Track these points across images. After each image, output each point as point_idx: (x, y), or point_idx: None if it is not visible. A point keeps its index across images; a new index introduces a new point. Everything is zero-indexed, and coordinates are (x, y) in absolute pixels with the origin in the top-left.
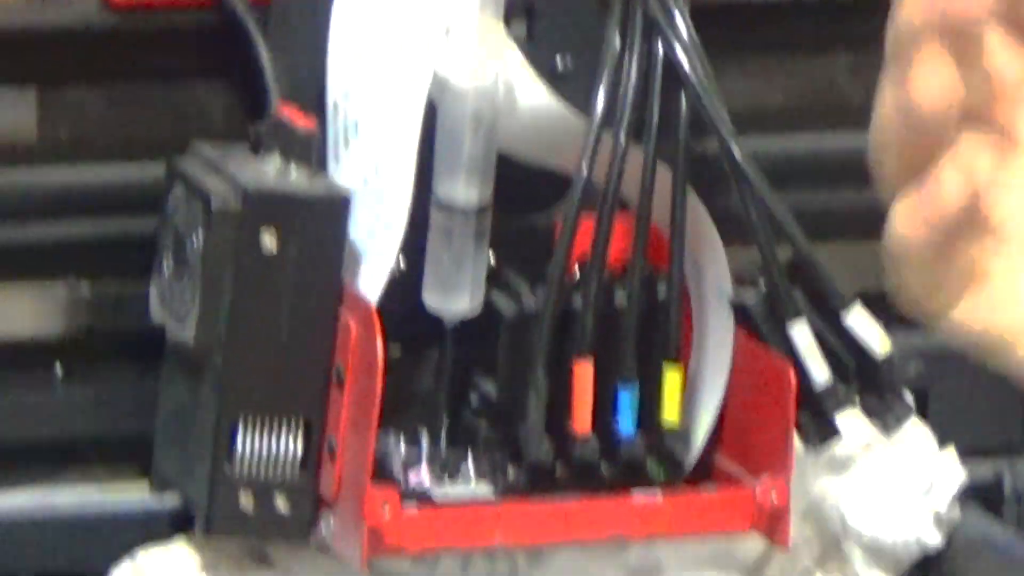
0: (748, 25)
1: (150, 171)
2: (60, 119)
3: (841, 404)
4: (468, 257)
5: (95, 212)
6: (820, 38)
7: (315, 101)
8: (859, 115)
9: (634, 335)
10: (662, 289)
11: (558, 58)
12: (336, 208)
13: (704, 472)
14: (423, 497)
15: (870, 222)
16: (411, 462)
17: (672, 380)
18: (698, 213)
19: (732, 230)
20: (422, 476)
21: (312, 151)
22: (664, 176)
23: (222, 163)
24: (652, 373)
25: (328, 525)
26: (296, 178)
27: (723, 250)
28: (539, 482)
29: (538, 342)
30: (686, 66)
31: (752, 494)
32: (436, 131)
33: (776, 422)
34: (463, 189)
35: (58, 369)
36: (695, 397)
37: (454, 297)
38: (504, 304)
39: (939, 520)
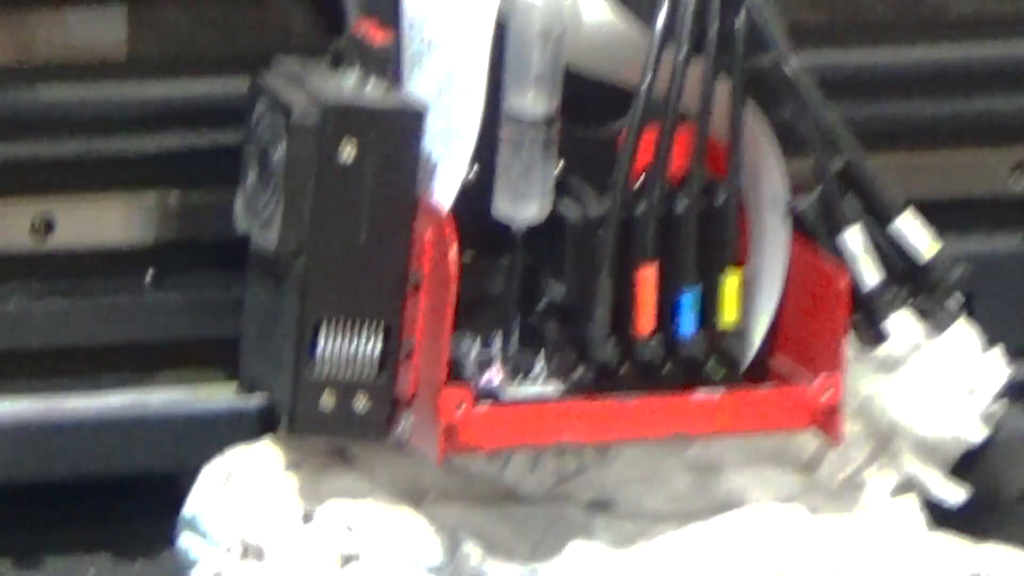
0: None
1: (235, 85)
2: (149, 36)
3: (892, 306)
4: (536, 167)
5: (183, 125)
6: None
7: (392, 17)
8: (912, 30)
9: (694, 241)
10: (721, 197)
11: None
12: (411, 120)
13: (761, 372)
14: (495, 396)
15: (919, 134)
16: (484, 363)
17: (731, 283)
18: (755, 125)
19: (788, 140)
20: (494, 376)
21: (389, 65)
22: (723, 89)
23: (303, 77)
24: (712, 276)
25: (406, 424)
26: (373, 91)
27: (780, 159)
28: (605, 381)
29: (603, 247)
30: None
31: (807, 392)
32: (506, 46)
33: (830, 324)
34: (532, 101)
35: (149, 275)
36: (753, 299)
37: (524, 205)
38: (571, 211)
39: (984, 417)
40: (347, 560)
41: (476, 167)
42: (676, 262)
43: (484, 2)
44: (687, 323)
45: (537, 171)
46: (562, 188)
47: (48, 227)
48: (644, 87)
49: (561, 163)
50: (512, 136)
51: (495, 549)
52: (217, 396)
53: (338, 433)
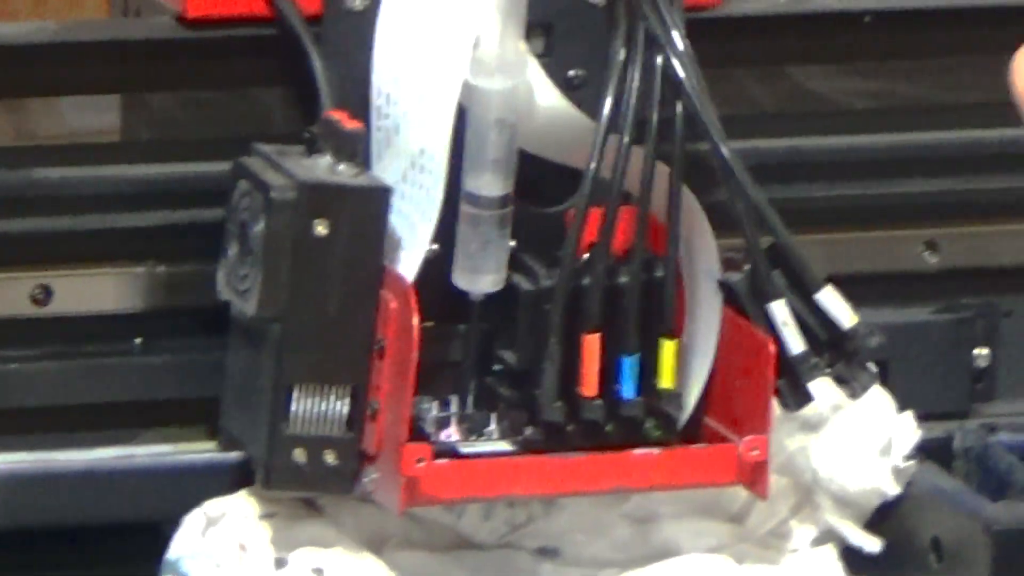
0: (736, 38)
1: (218, 168)
2: (140, 122)
3: (814, 372)
4: (492, 242)
5: (170, 203)
6: (797, 50)
7: (361, 106)
8: (835, 120)
9: (636, 311)
10: (660, 271)
11: (572, 71)
12: (379, 199)
13: (695, 432)
14: (453, 453)
15: (838, 214)
16: (442, 422)
17: (668, 351)
18: (691, 205)
19: (721, 220)
20: (452, 435)
21: (358, 150)
22: (662, 172)
23: (281, 160)
24: (651, 344)
25: (371, 478)
26: (344, 173)
27: (713, 237)
28: (553, 440)
29: (553, 317)
30: (682, 76)
31: (736, 451)
32: (465, 131)
33: (757, 387)
34: (488, 182)
35: (138, 340)
36: (688, 365)
37: (480, 278)
38: (523, 284)
39: (898, 473)
40: None
41: (437, 244)
42: (619, 330)
43: (446, 89)
44: (628, 387)
45: (493, 247)
46: (515, 262)
47: (47, 295)
48: (591, 171)
49: (514, 239)
50: (470, 214)
51: None
52: (198, 452)
53: (309, 486)
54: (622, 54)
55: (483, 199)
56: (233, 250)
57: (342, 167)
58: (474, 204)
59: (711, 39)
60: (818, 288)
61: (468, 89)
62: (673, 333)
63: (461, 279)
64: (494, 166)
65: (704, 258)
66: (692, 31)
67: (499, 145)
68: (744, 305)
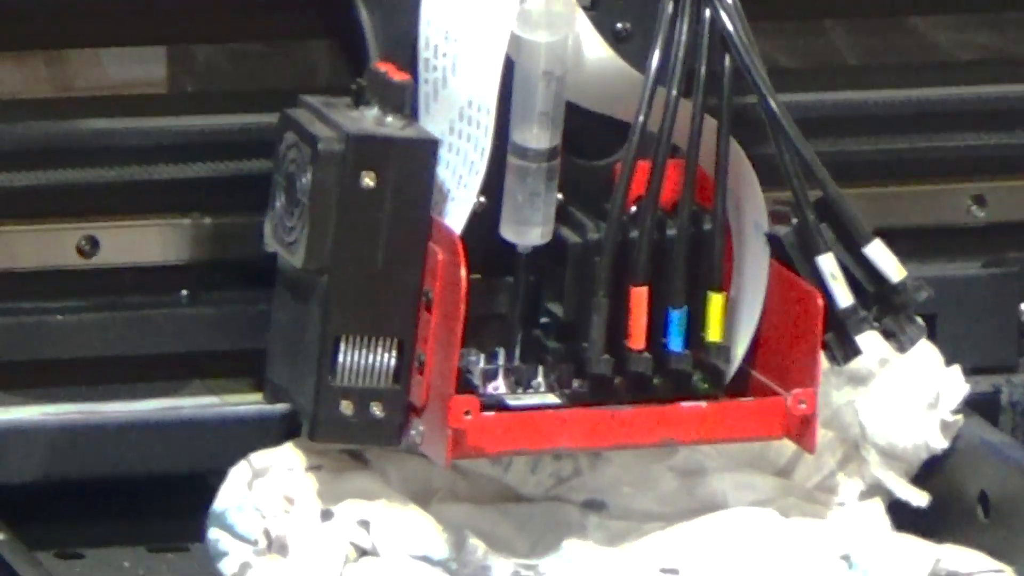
0: None
1: (265, 120)
2: (187, 74)
3: (862, 326)
4: (540, 195)
5: (217, 156)
6: (842, 4)
7: (409, 58)
8: (884, 74)
9: (683, 264)
10: (707, 225)
11: (619, 23)
12: (426, 151)
13: (743, 385)
14: (499, 405)
15: (887, 168)
16: (490, 375)
17: (716, 304)
18: (739, 158)
19: (769, 174)
20: (499, 387)
21: (406, 101)
22: (710, 126)
23: (328, 112)
24: (698, 297)
25: (417, 430)
26: (392, 125)
27: (760, 191)
28: (600, 393)
29: (600, 270)
30: (731, 29)
31: (784, 404)
32: (512, 83)
33: (805, 341)
34: (536, 134)
35: (184, 292)
36: (735, 319)
37: (527, 231)
38: (571, 237)
39: (945, 427)
40: (362, 554)
41: (484, 197)
42: (666, 284)
43: (493, 41)
44: (676, 340)
45: (540, 200)
46: (562, 215)
47: (93, 247)
48: (638, 124)
49: (561, 193)
50: (517, 166)
51: (497, 545)
52: (244, 403)
53: (355, 438)
54: (670, 7)
55: (531, 151)
56: (280, 202)
57: (389, 119)
58: (522, 156)
59: None
60: (867, 242)
61: (516, 41)
62: (721, 286)
63: (509, 231)
64: (541, 118)
65: (752, 211)
66: None
67: (547, 97)
68: (792, 258)
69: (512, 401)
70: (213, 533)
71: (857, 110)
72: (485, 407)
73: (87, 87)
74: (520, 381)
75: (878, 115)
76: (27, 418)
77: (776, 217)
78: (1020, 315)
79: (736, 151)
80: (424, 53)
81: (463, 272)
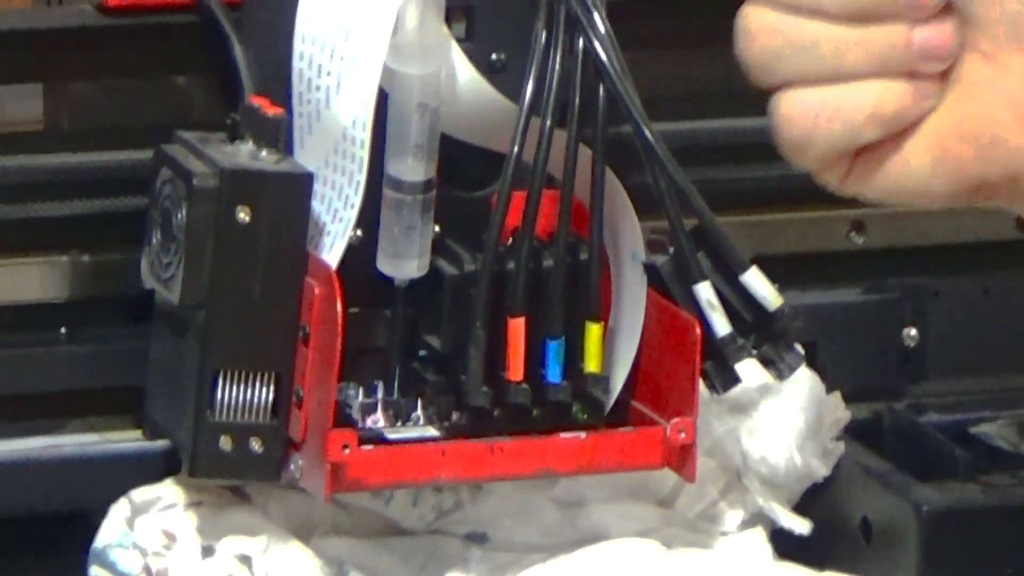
0: (657, 19)
1: (142, 156)
2: (62, 110)
3: (740, 354)
4: (416, 227)
5: (94, 192)
6: (715, 31)
7: (283, 92)
8: (758, 100)
9: (560, 295)
10: (584, 255)
11: (493, 54)
12: (300, 185)
13: (622, 415)
14: (379, 439)
15: (766, 195)
16: (368, 409)
17: (593, 334)
18: (615, 188)
19: (645, 203)
20: (378, 420)
21: (280, 136)
22: (586, 156)
23: (203, 148)
24: (576, 328)
25: (296, 464)
26: (266, 159)
27: (636, 220)
28: (479, 425)
29: (477, 302)
30: (604, 59)
31: (663, 433)
32: (387, 115)
33: (684, 370)
34: (411, 167)
35: (63, 330)
36: (613, 349)
37: (404, 263)
38: (448, 268)
39: (826, 454)
40: None
41: (360, 230)
42: (544, 314)
43: (366, 76)
44: (554, 371)
45: (416, 232)
46: (439, 246)
47: None
48: (513, 154)
49: (437, 224)
50: (393, 199)
51: None
52: (124, 440)
53: (235, 474)
54: (544, 37)
55: (406, 184)
56: (156, 238)
57: (264, 153)
58: (397, 189)
59: (632, 20)
60: (743, 269)
61: (389, 73)
62: (598, 316)
63: (385, 265)
64: (416, 151)
65: (628, 241)
66: (612, 13)
67: (421, 130)
68: (669, 287)
69: (391, 434)
70: (94, 571)
71: (733, 137)
72: (364, 441)
73: None
74: (399, 414)
75: (754, 142)
76: None
77: (653, 246)
78: (901, 341)
79: (612, 180)
80: (298, 87)
81: (339, 306)
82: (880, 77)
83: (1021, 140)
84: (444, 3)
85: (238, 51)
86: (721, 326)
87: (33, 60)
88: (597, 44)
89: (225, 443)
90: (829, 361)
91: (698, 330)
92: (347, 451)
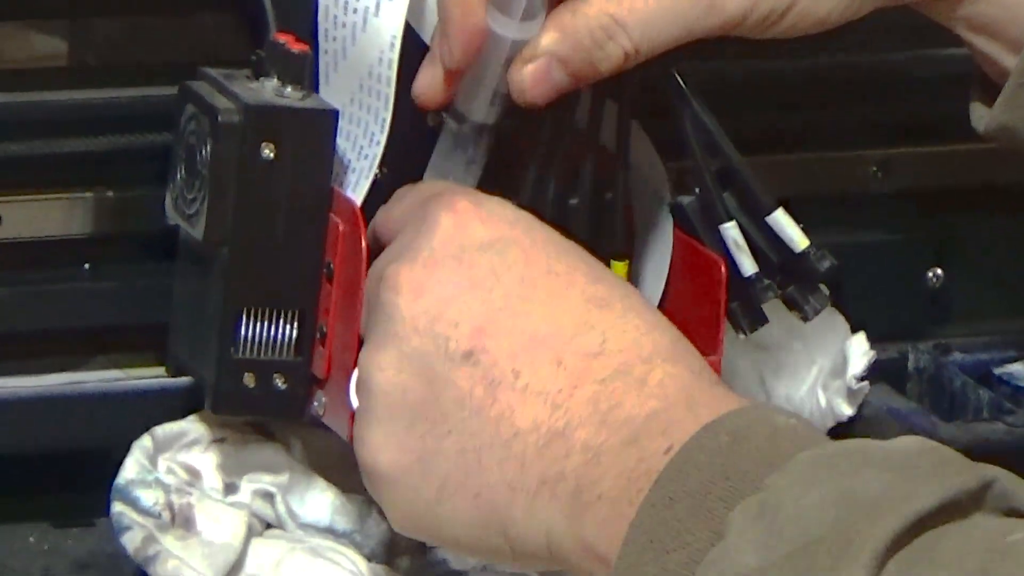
0: None
1: (166, 92)
2: (87, 47)
3: (766, 294)
4: (474, 162)
5: (118, 129)
6: None
7: (308, 29)
8: (784, 42)
9: (586, 233)
10: (609, 194)
11: None
12: (325, 121)
13: None
14: None
15: (791, 137)
16: None
17: (619, 272)
18: (636, 129)
19: (672, 144)
20: None
21: (305, 72)
22: (611, 105)
23: (228, 84)
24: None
25: (320, 401)
26: (291, 96)
27: (659, 160)
28: None
29: None
30: None
31: None
32: (479, 58)
33: (709, 309)
34: (484, 110)
35: (86, 266)
36: (639, 287)
37: None
38: None
39: (851, 394)
40: (267, 526)
41: (385, 167)
42: None
43: (392, 14)
44: None
45: (475, 166)
46: None
47: None
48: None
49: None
50: (455, 131)
51: None
52: (147, 377)
53: (258, 411)
54: None
55: (471, 121)
56: (181, 174)
57: (289, 90)
58: (461, 123)
59: None
60: (770, 210)
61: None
62: (624, 254)
63: None
64: (494, 98)
65: (651, 181)
66: None
67: (505, 82)
68: (696, 227)
69: None
70: (117, 507)
71: (760, 79)
72: None
73: None
74: None
75: (781, 84)
76: None
77: (681, 186)
78: (926, 282)
79: (635, 127)
80: (323, 24)
81: (364, 243)
82: None
83: None
84: None
85: None
86: (747, 266)
87: None
88: None
89: (248, 380)
90: (854, 301)
91: (723, 269)
92: None
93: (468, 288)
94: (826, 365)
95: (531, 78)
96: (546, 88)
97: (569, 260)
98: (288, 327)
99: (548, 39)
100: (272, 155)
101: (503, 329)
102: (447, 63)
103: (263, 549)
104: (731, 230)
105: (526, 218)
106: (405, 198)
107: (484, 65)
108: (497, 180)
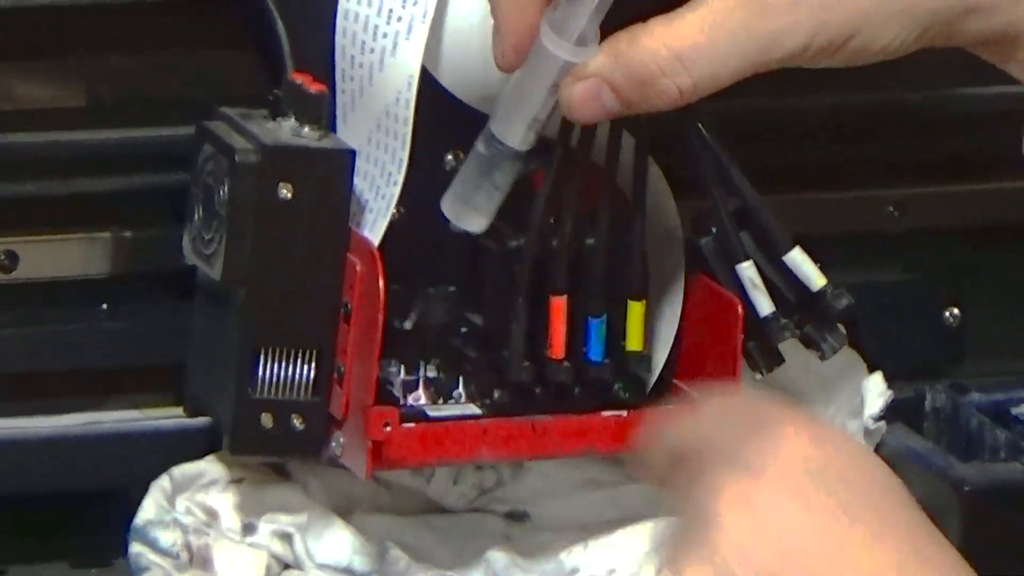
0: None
1: (183, 132)
2: (104, 86)
3: (783, 333)
4: (501, 189)
5: (136, 168)
6: None
7: (325, 69)
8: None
9: (603, 273)
10: (626, 233)
11: None
12: (343, 161)
13: (664, 393)
14: (420, 416)
15: (808, 175)
16: (410, 386)
17: (636, 313)
18: (653, 172)
19: (690, 182)
20: (420, 398)
21: (322, 112)
22: (627, 138)
23: (245, 124)
24: (618, 306)
25: (338, 442)
26: (308, 136)
27: (672, 198)
28: (521, 402)
29: (520, 278)
30: None
31: None
32: (517, 78)
33: (725, 348)
34: (521, 136)
35: (104, 306)
36: (656, 327)
37: (474, 215)
38: (491, 244)
39: (868, 434)
40: (284, 567)
41: (402, 207)
42: (586, 293)
43: (409, 55)
44: (596, 349)
45: (499, 193)
46: None
47: (12, 262)
48: (561, 137)
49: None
50: (487, 156)
51: (420, 556)
52: (165, 417)
53: (276, 451)
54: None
55: (506, 148)
56: (198, 214)
57: (306, 130)
58: (493, 148)
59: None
60: (787, 249)
61: (541, 42)
62: (641, 295)
63: (453, 209)
64: (533, 124)
65: (665, 220)
66: None
67: (546, 107)
68: (713, 267)
69: (432, 412)
70: (135, 548)
71: (777, 117)
72: (405, 418)
73: (3, 101)
74: (440, 392)
75: (798, 122)
76: None
77: (697, 226)
78: (942, 321)
79: (651, 164)
80: (340, 64)
81: (381, 283)
82: None
83: None
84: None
85: (280, 27)
86: (764, 306)
87: (75, 35)
88: None
89: (266, 420)
90: (871, 340)
91: (740, 309)
92: (388, 428)
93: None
94: (843, 405)
95: (581, 96)
96: (595, 109)
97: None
98: (306, 367)
99: (602, 63)
100: (289, 195)
101: None
102: (500, 65)
103: None
104: (748, 270)
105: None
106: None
107: (529, 86)
108: (512, 218)
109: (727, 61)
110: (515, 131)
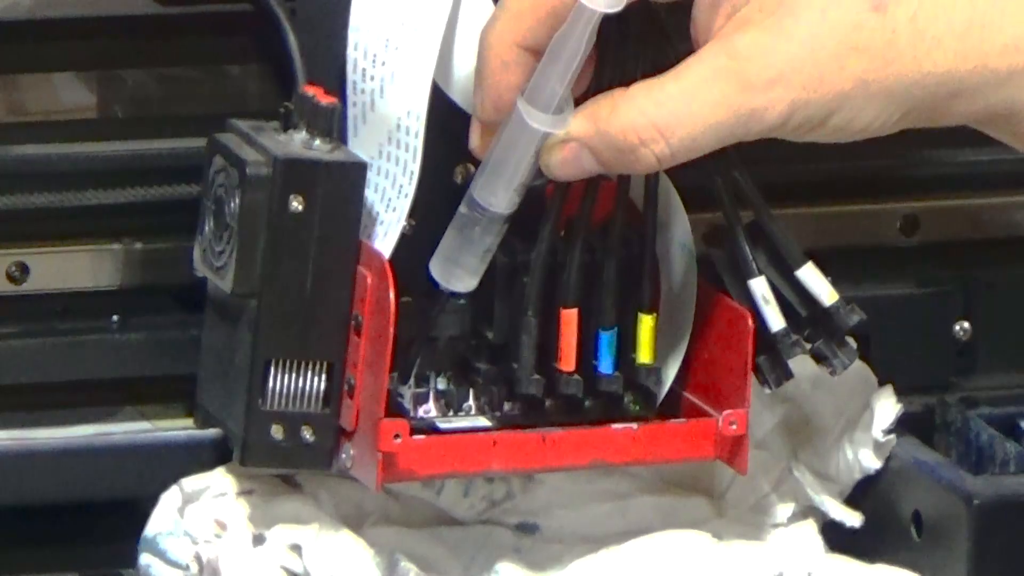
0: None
1: (195, 144)
2: (116, 98)
3: (794, 349)
4: (489, 250)
5: (146, 180)
6: None
7: (337, 81)
8: None
9: (614, 286)
10: (637, 248)
11: None
12: (354, 174)
13: (674, 407)
14: (430, 428)
15: (819, 189)
16: (420, 398)
17: (646, 325)
18: (666, 185)
19: (702, 196)
20: (430, 410)
21: (334, 125)
22: None
23: (256, 136)
24: (629, 319)
25: (348, 454)
26: (320, 148)
27: (684, 210)
28: (531, 415)
29: (530, 290)
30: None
31: (715, 425)
32: (498, 142)
33: (736, 362)
34: (506, 200)
35: (115, 318)
36: (666, 340)
37: (463, 276)
38: (501, 257)
39: (878, 447)
40: None
41: (413, 219)
42: (596, 305)
43: (421, 67)
44: (606, 362)
45: (487, 253)
46: None
47: (23, 273)
48: None
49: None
50: (471, 218)
51: (430, 568)
52: (176, 429)
53: (286, 462)
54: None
55: (490, 212)
56: (209, 226)
57: (317, 142)
58: (478, 212)
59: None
60: (799, 265)
61: (520, 115)
62: (651, 307)
63: (441, 270)
64: (519, 188)
65: (677, 233)
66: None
67: (530, 172)
68: (724, 281)
69: (443, 424)
70: (145, 559)
71: None
72: (415, 430)
73: (14, 113)
74: (451, 404)
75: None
76: None
77: (710, 240)
78: (953, 335)
79: (663, 178)
80: (352, 76)
81: (392, 295)
82: None
83: None
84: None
85: (291, 40)
86: (776, 321)
87: (87, 48)
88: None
89: (276, 432)
90: (881, 354)
91: (750, 322)
92: (398, 440)
93: None
94: (853, 418)
95: (561, 160)
96: (576, 171)
97: None
98: (316, 379)
99: (583, 130)
100: (301, 207)
101: None
102: (479, 116)
103: None
104: (759, 285)
105: None
106: None
107: (510, 156)
108: (522, 231)
109: (705, 132)
110: (499, 197)
